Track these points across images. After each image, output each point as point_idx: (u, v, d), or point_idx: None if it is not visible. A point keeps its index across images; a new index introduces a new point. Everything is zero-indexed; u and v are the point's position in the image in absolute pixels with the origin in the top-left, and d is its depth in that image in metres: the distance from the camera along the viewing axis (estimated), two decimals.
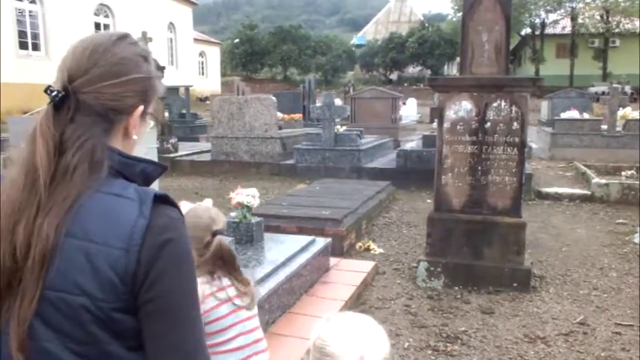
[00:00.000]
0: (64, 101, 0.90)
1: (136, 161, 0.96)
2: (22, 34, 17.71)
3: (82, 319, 0.84)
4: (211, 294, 1.65)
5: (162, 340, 0.87)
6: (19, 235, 0.85)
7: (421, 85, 30.88)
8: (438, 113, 4.31)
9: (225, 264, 1.69)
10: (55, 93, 0.90)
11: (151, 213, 0.87)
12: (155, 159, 5.85)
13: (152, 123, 8.16)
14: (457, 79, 4.58)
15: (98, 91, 0.91)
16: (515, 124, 4.05)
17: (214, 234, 1.69)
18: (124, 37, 0.98)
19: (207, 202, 2.27)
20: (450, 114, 4.18)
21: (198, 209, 1.78)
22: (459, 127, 4.15)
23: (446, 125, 4.19)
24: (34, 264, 0.84)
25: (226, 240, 1.94)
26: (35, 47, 18.16)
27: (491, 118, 4.09)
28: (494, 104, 4.08)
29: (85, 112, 0.91)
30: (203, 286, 1.62)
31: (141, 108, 0.96)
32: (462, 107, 4.14)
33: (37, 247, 0.84)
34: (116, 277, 0.84)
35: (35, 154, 0.87)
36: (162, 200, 0.91)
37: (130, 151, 0.99)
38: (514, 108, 4.05)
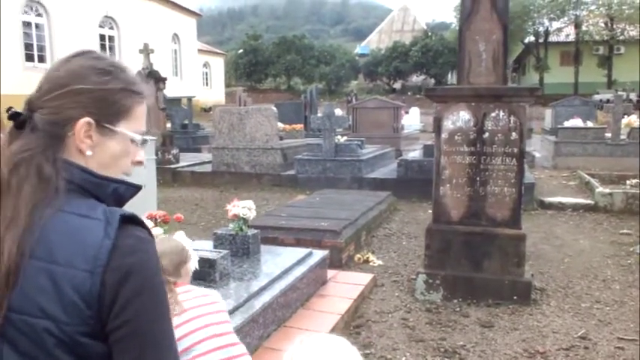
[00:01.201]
0: (26, 122, 0.91)
1: (107, 181, 0.93)
2: (28, 47, 17.90)
3: (45, 343, 0.82)
4: None
5: None
6: None
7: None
8: (435, 124, 4.28)
9: None
10: (10, 112, 0.90)
11: (116, 234, 0.85)
12: (154, 171, 5.84)
13: (155, 136, 8.14)
14: (455, 89, 4.54)
15: (42, 105, 0.91)
16: (513, 134, 4.01)
17: None
18: (83, 53, 0.96)
19: (180, 237, 2.11)
20: (448, 124, 4.14)
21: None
22: (456, 137, 4.11)
23: (444, 136, 4.16)
24: None
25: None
26: (41, 59, 18.35)
27: (489, 128, 4.05)
28: (493, 114, 4.04)
29: (34, 128, 0.90)
30: None
31: (84, 120, 0.90)
32: (459, 117, 4.11)
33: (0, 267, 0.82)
34: (80, 301, 0.82)
35: None
36: (130, 221, 0.88)
37: (106, 169, 0.95)
38: (512, 118, 4.01)
